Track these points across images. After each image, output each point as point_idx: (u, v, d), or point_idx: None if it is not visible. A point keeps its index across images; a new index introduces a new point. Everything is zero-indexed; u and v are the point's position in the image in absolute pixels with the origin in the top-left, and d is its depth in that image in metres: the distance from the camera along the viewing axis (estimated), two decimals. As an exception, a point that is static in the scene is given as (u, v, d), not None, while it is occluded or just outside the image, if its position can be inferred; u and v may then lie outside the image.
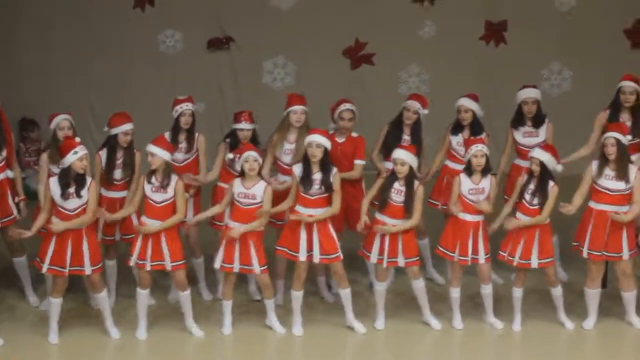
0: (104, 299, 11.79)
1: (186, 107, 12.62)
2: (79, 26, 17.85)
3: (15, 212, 12.30)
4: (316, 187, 11.71)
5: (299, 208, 11.79)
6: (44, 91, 17.50)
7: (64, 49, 17.87)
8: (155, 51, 18.15)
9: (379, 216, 11.73)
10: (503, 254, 11.85)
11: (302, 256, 11.79)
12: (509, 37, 18.36)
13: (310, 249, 11.80)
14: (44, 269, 11.42)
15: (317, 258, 11.82)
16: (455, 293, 12.02)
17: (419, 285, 12.02)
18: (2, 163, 12.21)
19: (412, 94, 13.51)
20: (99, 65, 17.95)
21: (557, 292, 11.92)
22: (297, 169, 11.75)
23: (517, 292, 11.95)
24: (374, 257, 11.94)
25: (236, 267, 11.71)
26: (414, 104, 12.92)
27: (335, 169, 11.79)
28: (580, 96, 17.15)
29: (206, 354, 11.81)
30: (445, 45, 18.16)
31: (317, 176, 11.71)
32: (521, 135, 12.98)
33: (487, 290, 12.04)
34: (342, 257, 11.91)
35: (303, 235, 11.79)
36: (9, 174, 12.29)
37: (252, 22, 18.07)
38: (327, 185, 11.71)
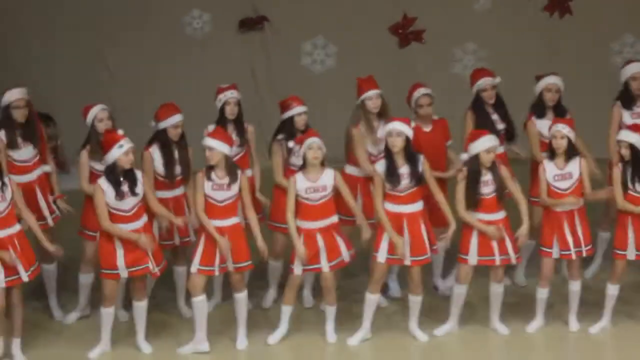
0: (142, 311, 11.94)
1: (231, 94, 12.50)
2: (91, 10, 17.64)
3: (48, 214, 12.29)
4: (405, 181, 11.56)
5: (387, 206, 11.65)
6: (57, 84, 17.22)
7: (75, 37, 17.70)
8: (180, 35, 17.81)
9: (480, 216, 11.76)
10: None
11: (408, 260, 11.85)
12: (575, 6, 17.82)
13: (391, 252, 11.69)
14: (124, 274, 11.57)
15: (408, 261, 11.72)
16: (542, 294, 12.00)
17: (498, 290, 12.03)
18: (37, 159, 12.28)
19: (477, 69, 13.29)
20: (116, 54, 17.79)
21: None
22: (380, 165, 11.57)
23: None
24: (473, 259, 11.80)
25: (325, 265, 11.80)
26: (487, 80, 12.78)
27: (422, 157, 11.69)
28: None
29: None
30: (504, 18, 17.79)
31: (404, 169, 11.58)
32: (630, 116, 12.81)
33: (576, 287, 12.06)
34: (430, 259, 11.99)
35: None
36: (46, 168, 12.34)
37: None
38: (419, 177, 11.63)
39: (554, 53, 16.83)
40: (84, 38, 17.53)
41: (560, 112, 12.41)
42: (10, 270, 11.13)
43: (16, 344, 11.46)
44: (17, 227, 11.18)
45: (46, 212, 12.21)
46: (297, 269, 11.55)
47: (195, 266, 11.49)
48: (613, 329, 11.92)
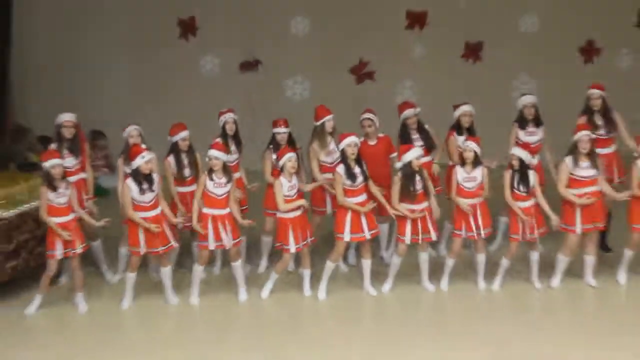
0: (169, 273, 12.10)
1: (229, 116, 12.88)
2: (134, 55, 18.13)
3: (93, 208, 12.69)
4: (360, 178, 11.93)
5: (349, 199, 11.93)
6: (108, 106, 17.68)
7: (123, 73, 18.16)
8: (197, 73, 18.47)
9: (411, 206, 11.96)
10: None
11: (368, 234, 12.05)
12: (484, 55, 18.59)
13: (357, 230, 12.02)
14: (142, 252, 11.81)
15: (368, 235, 12.04)
16: (450, 262, 12.34)
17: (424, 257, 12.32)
18: (78, 167, 12.61)
19: (403, 102, 13.50)
20: (151, 85, 18.18)
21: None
22: (340, 169, 11.93)
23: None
24: (408, 238, 12.06)
25: (292, 247, 11.99)
26: (411, 111, 12.96)
27: (364, 163, 12.05)
28: (545, 101, 16.83)
29: (253, 311, 12.02)
30: (433, 63, 18.47)
31: (357, 169, 11.92)
32: (524, 135, 13.02)
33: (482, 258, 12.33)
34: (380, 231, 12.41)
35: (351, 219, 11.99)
36: (83, 175, 12.65)
37: (276, 48, 18.35)
38: (366, 175, 12.00)
39: (470, 88, 16.84)
40: (130, 73, 18.01)
41: (472, 131, 12.78)
42: (67, 245, 11.52)
43: (79, 296, 11.84)
44: (72, 215, 11.64)
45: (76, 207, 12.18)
46: (292, 248, 11.90)
47: (211, 243, 11.81)
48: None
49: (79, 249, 11.66)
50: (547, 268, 12.29)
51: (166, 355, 10.70)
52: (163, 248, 11.81)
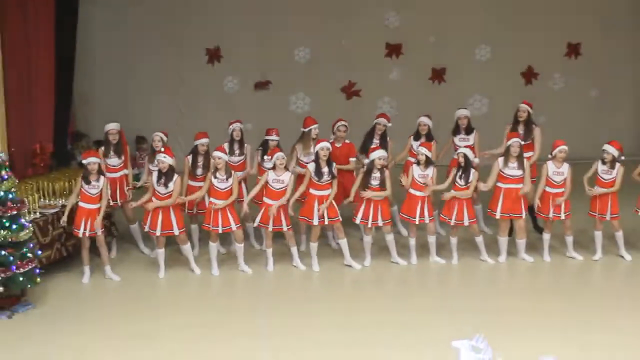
0: (188, 249, 12.12)
1: (236, 125, 12.90)
2: (173, 76, 18.06)
3: (130, 196, 12.81)
4: (325, 177, 11.90)
5: (313, 192, 11.96)
6: (151, 117, 17.42)
7: (163, 90, 18.06)
8: (221, 91, 18.38)
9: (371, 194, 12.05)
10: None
11: (316, 221, 12.03)
12: (447, 78, 18.51)
13: (321, 216, 12.01)
14: (158, 233, 11.86)
15: (327, 221, 12.05)
16: (412, 242, 12.38)
17: (390, 237, 12.32)
18: (122, 165, 12.78)
19: (380, 113, 13.60)
20: (184, 100, 18.20)
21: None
22: (311, 166, 11.99)
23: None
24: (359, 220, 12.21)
25: (270, 227, 11.98)
26: (383, 120, 13.14)
27: (334, 164, 12.11)
28: (494, 116, 17.13)
29: (254, 283, 11.95)
30: (407, 83, 18.42)
31: (325, 169, 11.90)
32: (458, 140, 13.08)
33: (432, 239, 12.41)
34: (340, 219, 12.16)
35: (316, 207, 11.96)
36: (126, 171, 12.81)
37: (283, 70, 18.25)
38: (333, 175, 11.97)
39: (435, 104, 16.29)
40: (165, 91, 17.93)
41: (429, 137, 12.86)
42: (91, 227, 11.50)
43: (108, 269, 11.82)
44: (97, 205, 11.52)
45: (118, 198, 12.56)
46: (255, 223, 12.03)
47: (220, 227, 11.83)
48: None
49: (98, 231, 11.57)
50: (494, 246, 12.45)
51: (189, 316, 10.72)
52: (172, 231, 11.81)
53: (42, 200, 12.06)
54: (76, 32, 15.61)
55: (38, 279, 10.86)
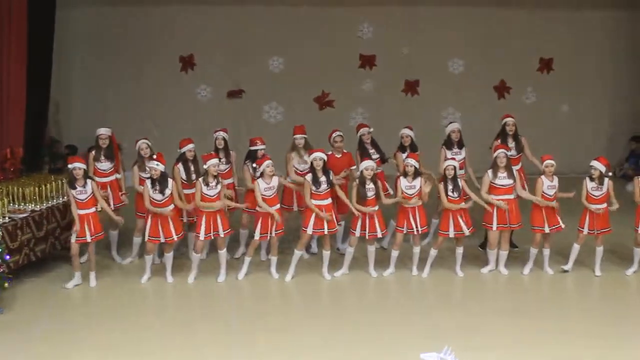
0: (170, 258, 12.03)
1: (219, 134, 12.85)
2: (147, 84, 18.04)
3: (126, 201, 12.75)
4: (324, 186, 11.84)
5: (314, 201, 11.84)
6: (129, 126, 17.08)
7: (134, 99, 18.07)
8: (194, 99, 18.38)
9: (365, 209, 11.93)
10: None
11: (310, 230, 11.96)
12: (420, 90, 18.55)
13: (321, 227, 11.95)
14: (146, 239, 11.87)
15: (327, 231, 11.95)
16: (394, 254, 12.29)
17: (372, 249, 12.24)
18: (113, 169, 12.69)
19: (360, 123, 13.70)
20: (158, 108, 18.21)
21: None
22: (309, 176, 11.88)
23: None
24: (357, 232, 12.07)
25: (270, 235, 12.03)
26: (365, 129, 13.06)
27: (332, 172, 12.03)
28: (467, 129, 16.81)
29: (231, 289, 11.89)
30: (379, 95, 18.50)
31: (323, 179, 11.83)
32: (451, 154, 12.82)
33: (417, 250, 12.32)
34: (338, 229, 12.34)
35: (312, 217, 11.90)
36: (117, 175, 12.75)
37: (256, 80, 18.30)
38: (331, 183, 11.95)
39: (408, 117, 16.51)
40: (143, 99, 17.93)
41: (413, 148, 12.80)
42: (81, 233, 11.41)
43: (92, 275, 11.74)
44: (92, 209, 11.52)
45: (111, 202, 12.39)
46: (256, 235, 11.87)
47: (202, 235, 11.72)
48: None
49: (89, 238, 11.48)
50: (473, 260, 12.48)
51: (159, 320, 10.69)
52: (169, 239, 11.78)
53: (11, 205, 11.85)
54: (53, 39, 15.58)
55: (6, 284, 10.70)
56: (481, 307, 11.21)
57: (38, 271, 12.07)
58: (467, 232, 12.08)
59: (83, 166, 11.58)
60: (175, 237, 11.82)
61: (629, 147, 17.87)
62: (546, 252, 12.35)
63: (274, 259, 12.18)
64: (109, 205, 12.12)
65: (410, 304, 11.42)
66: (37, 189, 12.06)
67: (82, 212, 11.46)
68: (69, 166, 11.57)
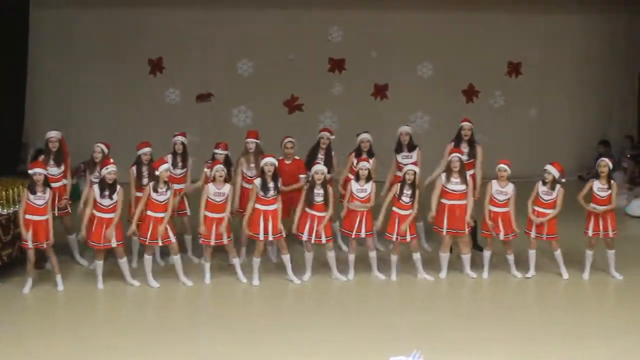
0: (125, 263, 11.85)
1: (177, 138, 12.75)
2: (114, 87, 18.00)
3: (69, 207, 12.51)
4: (271, 192, 11.76)
5: (258, 206, 11.74)
6: (98, 129, 16.98)
7: (105, 100, 17.97)
8: (162, 102, 18.34)
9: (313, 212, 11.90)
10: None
11: (262, 236, 11.85)
12: (389, 94, 18.64)
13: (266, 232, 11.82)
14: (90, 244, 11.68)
15: (271, 237, 11.89)
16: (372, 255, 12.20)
17: (331, 254, 12.16)
18: (61, 175, 12.47)
19: (323, 127, 13.67)
20: (125, 110, 18.06)
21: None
22: (258, 181, 11.80)
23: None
24: (305, 236, 12.01)
25: (212, 241, 11.77)
26: (326, 134, 13.08)
27: (280, 179, 11.95)
28: (435, 133, 17.17)
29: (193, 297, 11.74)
30: (349, 98, 18.51)
31: (271, 184, 11.75)
32: (401, 157, 12.90)
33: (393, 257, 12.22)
34: (284, 235, 11.98)
35: (262, 222, 11.79)
36: (65, 181, 12.50)
37: (225, 83, 18.30)
38: (278, 190, 11.86)
39: (376, 121, 16.65)
40: (108, 100, 17.82)
41: (370, 154, 12.68)
42: (35, 238, 11.20)
43: (58, 277, 11.58)
44: (47, 216, 11.36)
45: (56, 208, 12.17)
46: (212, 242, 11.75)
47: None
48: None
49: (45, 244, 11.37)
50: (431, 264, 12.39)
51: (127, 323, 10.59)
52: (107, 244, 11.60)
53: (-22, 209, 11.97)
54: (27, 41, 15.70)
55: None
56: (450, 310, 11.19)
57: (4, 275, 11.91)
58: (408, 238, 11.95)
59: (44, 172, 11.51)
60: (115, 244, 11.61)
61: (597, 151, 17.90)
62: (509, 257, 12.32)
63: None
64: (64, 209, 12.26)
65: (376, 306, 11.34)
66: (4, 192, 11.98)
67: (37, 218, 11.34)
68: (29, 172, 11.52)
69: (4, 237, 11.72)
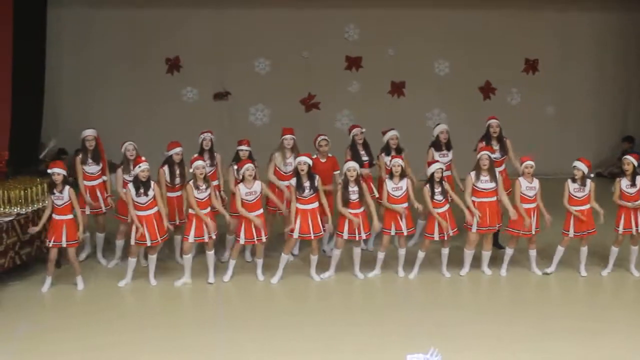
0: (153, 260, 12.04)
1: (206, 135, 12.90)
2: (133, 86, 17.92)
3: (103, 206, 12.67)
4: (307, 191, 11.79)
5: (298, 206, 11.84)
6: (116, 127, 16.77)
7: (124, 100, 17.93)
8: (179, 101, 18.20)
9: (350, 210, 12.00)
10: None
11: (296, 234, 11.99)
12: (406, 92, 18.45)
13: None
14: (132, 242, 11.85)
15: (312, 236, 11.95)
16: (380, 255, 12.35)
17: (357, 251, 12.31)
18: (100, 172, 12.67)
19: (353, 125, 13.70)
20: (145, 109, 17.99)
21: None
22: (292, 181, 11.93)
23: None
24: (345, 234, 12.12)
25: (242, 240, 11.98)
26: (358, 129, 13.16)
27: (318, 177, 11.97)
28: (452, 130, 16.55)
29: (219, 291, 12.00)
30: (366, 96, 18.36)
31: (307, 183, 11.77)
32: (438, 155, 12.96)
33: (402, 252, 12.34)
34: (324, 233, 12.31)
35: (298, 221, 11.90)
36: (104, 178, 12.72)
37: (243, 81, 18.13)
38: (315, 188, 11.88)
39: (393, 118, 16.49)
40: (131, 100, 17.81)
41: (398, 151, 12.81)
42: (58, 238, 11.44)
43: (79, 279, 11.81)
44: (70, 216, 11.55)
45: (102, 204, 12.64)
46: (242, 240, 11.91)
47: (191, 237, 11.77)
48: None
49: (65, 244, 11.48)
50: (457, 261, 12.40)
51: (148, 323, 10.72)
52: (153, 242, 11.78)
53: (-4, 208, 12.07)
54: (45, 40, 15.64)
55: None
56: (468, 307, 11.30)
57: (23, 274, 12.03)
58: (451, 233, 12.11)
59: (62, 172, 11.57)
60: (160, 240, 11.83)
61: (622, 148, 17.84)
62: (532, 252, 12.36)
63: (259, 262, 12.19)
64: (99, 209, 12.44)
65: (396, 305, 11.42)
66: (22, 192, 12.04)
67: (58, 217, 11.46)
68: (48, 171, 11.63)
69: (23, 236, 11.81)
